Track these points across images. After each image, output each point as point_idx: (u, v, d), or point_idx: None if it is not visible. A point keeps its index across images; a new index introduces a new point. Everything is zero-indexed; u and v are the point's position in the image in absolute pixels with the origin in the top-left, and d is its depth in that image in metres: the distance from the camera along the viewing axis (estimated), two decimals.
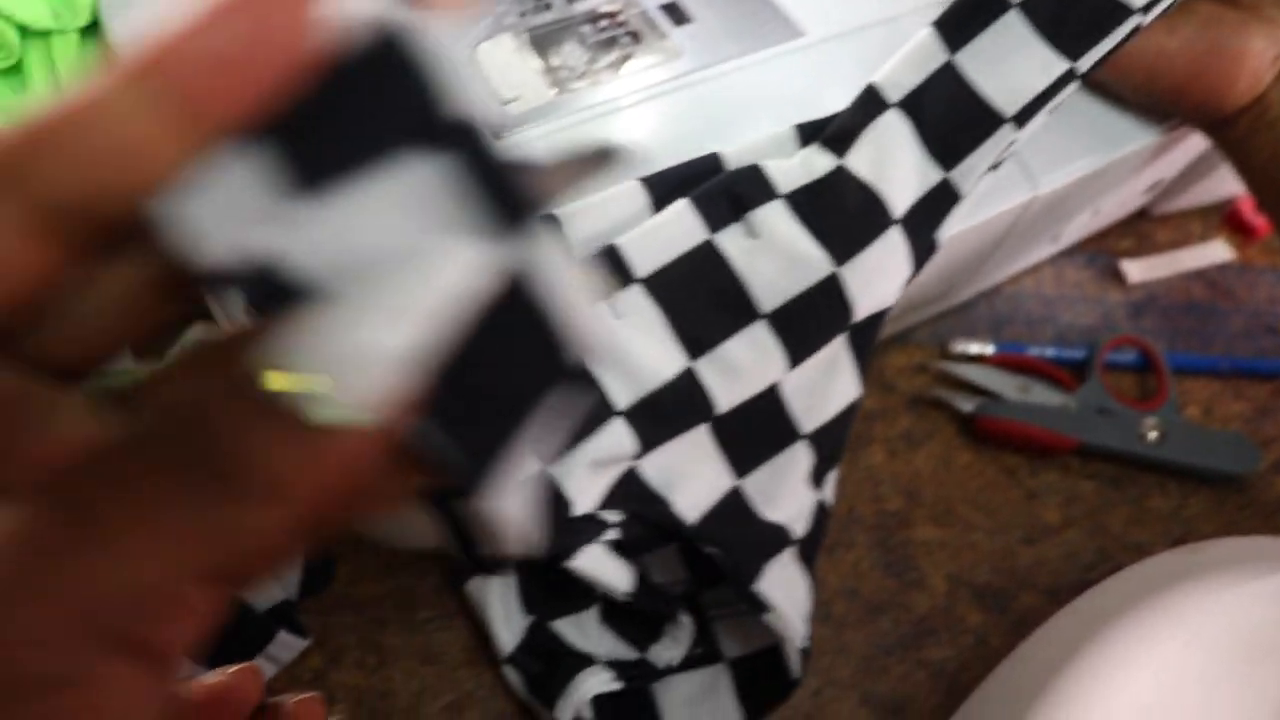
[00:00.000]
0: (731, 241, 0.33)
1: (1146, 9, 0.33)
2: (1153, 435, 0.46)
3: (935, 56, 0.34)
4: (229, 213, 0.13)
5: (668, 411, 0.32)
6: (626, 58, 0.38)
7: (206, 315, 0.28)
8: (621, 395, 0.31)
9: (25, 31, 0.37)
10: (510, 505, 0.15)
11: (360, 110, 0.14)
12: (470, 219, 0.14)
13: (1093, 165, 0.40)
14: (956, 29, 0.34)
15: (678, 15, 0.40)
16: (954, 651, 0.42)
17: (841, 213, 0.33)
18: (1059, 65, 0.34)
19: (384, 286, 0.13)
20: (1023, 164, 0.39)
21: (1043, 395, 0.47)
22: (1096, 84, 0.41)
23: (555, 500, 0.30)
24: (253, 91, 0.13)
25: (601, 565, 0.33)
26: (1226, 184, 0.53)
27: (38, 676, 0.13)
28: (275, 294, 0.13)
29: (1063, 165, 0.39)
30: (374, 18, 0.14)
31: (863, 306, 0.34)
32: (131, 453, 0.13)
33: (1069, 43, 0.34)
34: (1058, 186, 0.39)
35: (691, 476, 0.34)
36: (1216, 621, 0.34)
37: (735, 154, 0.34)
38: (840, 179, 0.33)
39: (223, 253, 0.13)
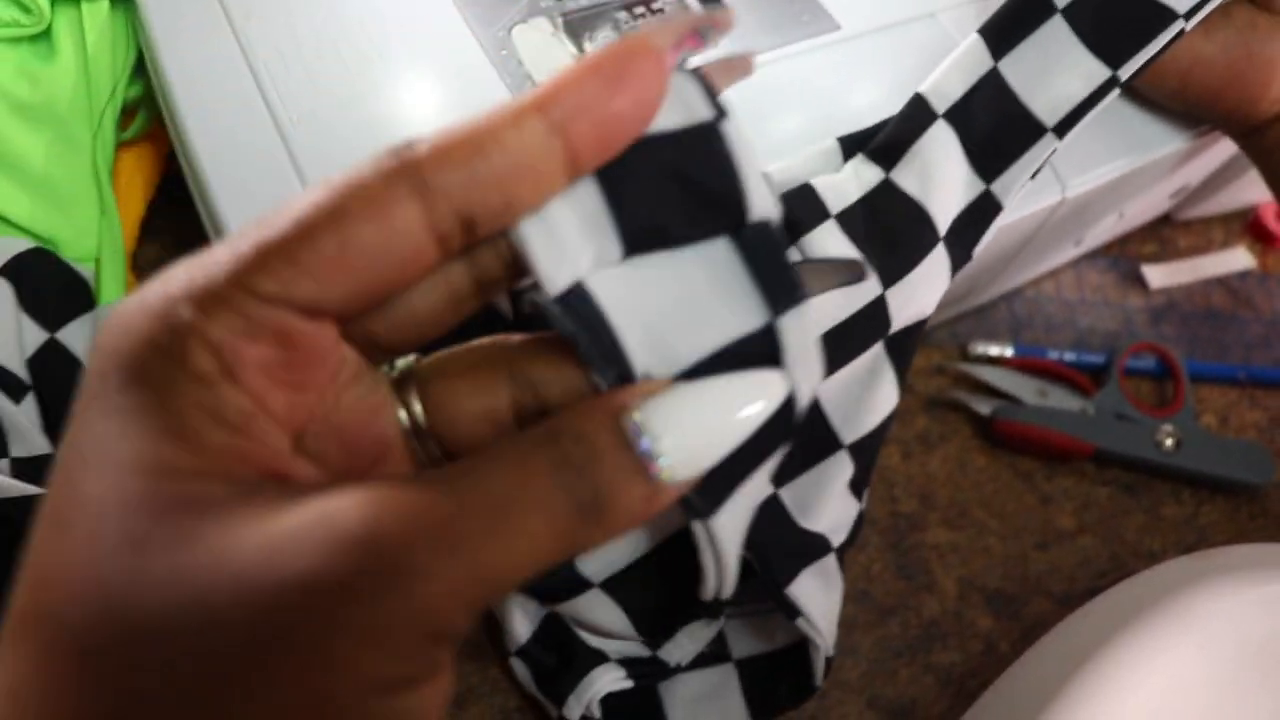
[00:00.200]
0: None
1: (1190, 14, 0.33)
2: (1169, 443, 0.46)
3: (980, 64, 0.34)
4: (571, 244, 0.17)
5: None
6: None
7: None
8: None
9: None
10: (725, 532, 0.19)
11: (679, 182, 0.17)
12: (760, 295, 0.18)
13: (1122, 169, 0.40)
14: (1001, 36, 0.34)
15: (714, 5, 0.39)
16: (963, 656, 0.42)
17: (890, 232, 0.33)
18: (1101, 73, 0.33)
19: (719, 380, 0.17)
20: (1052, 166, 0.38)
21: (1061, 399, 0.46)
22: (1129, 87, 0.40)
23: None
24: (620, 146, 0.16)
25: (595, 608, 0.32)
26: (1250, 191, 0.52)
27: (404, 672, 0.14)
28: (597, 340, 0.17)
29: (1092, 168, 0.39)
30: (702, 100, 0.17)
31: (901, 319, 0.34)
32: (522, 457, 0.15)
33: (1112, 49, 0.33)
34: (1087, 189, 0.39)
35: None
36: (1226, 628, 0.34)
37: (780, 171, 0.34)
38: (889, 195, 0.33)
39: (560, 278, 0.17)
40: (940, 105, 0.33)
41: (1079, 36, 0.33)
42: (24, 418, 0.34)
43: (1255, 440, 0.48)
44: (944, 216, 0.33)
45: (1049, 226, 0.41)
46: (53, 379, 0.34)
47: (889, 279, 0.32)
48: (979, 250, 0.36)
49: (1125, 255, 0.54)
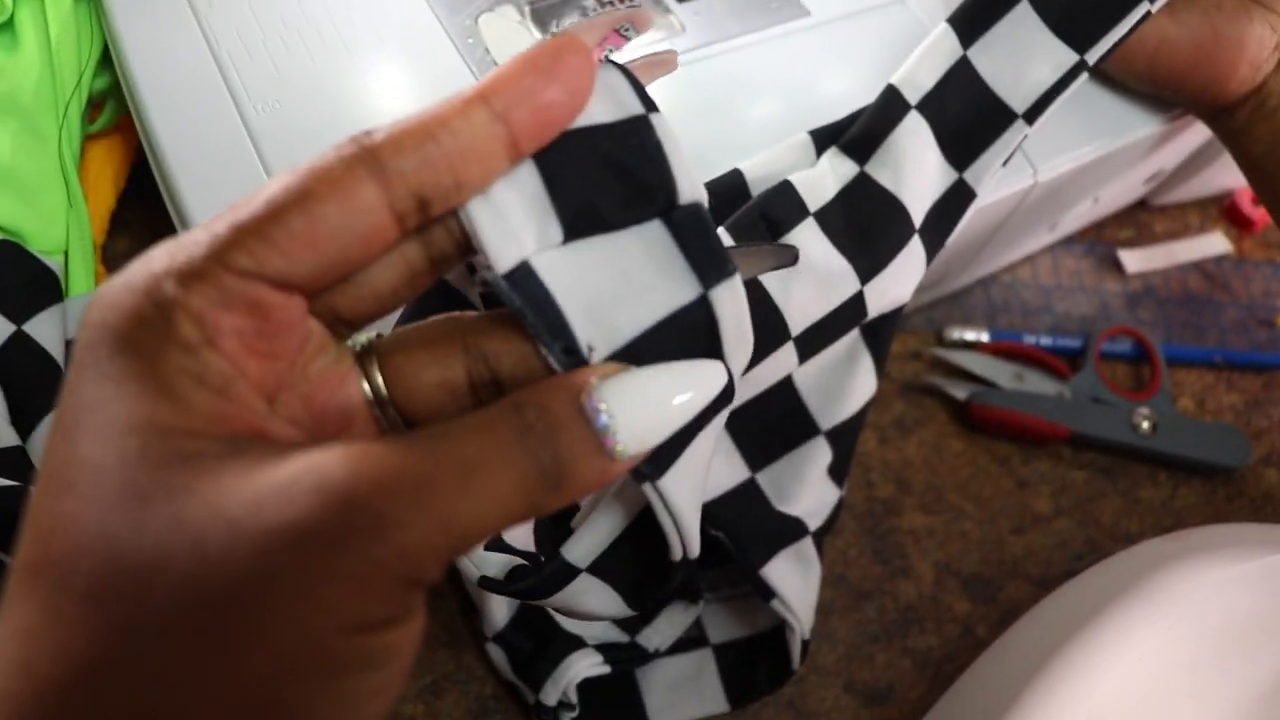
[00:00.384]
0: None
1: None
2: (1145, 426, 0.46)
3: (951, 54, 0.34)
4: (515, 222, 0.19)
5: None
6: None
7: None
8: None
9: None
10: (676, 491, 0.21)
11: (613, 168, 0.19)
12: (692, 271, 0.20)
13: (1094, 153, 0.40)
14: (969, 24, 0.34)
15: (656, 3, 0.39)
16: (940, 640, 0.42)
17: (867, 227, 0.33)
18: (1069, 58, 0.33)
19: (668, 368, 0.19)
20: (1023, 151, 0.38)
21: (1037, 384, 0.47)
22: (1099, 71, 0.40)
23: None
24: (555, 130, 0.18)
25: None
26: (1225, 176, 0.52)
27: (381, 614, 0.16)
28: (543, 315, 0.18)
29: (1064, 152, 0.39)
30: (633, 96, 0.19)
31: (877, 308, 0.34)
32: (491, 423, 0.17)
33: (1079, 34, 0.33)
34: (1058, 173, 0.39)
35: None
36: (1200, 607, 0.34)
37: (755, 167, 0.34)
38: (864, 189, 0.33)
39: (507, 254, 0.18)
40: (913, 96, 0.33)
41: (1046, 22, 0.33)
42: None
43: (1231, 423, 0.49)
44: (919, 208, 0.33)
45: (1022, 210, 0.41)
46: (20, 371, 0.34)
47: (866, 275, 0.32)
48: (952, 236, 0.36)
49: (1102, 240, 0.54)
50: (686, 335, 0.20)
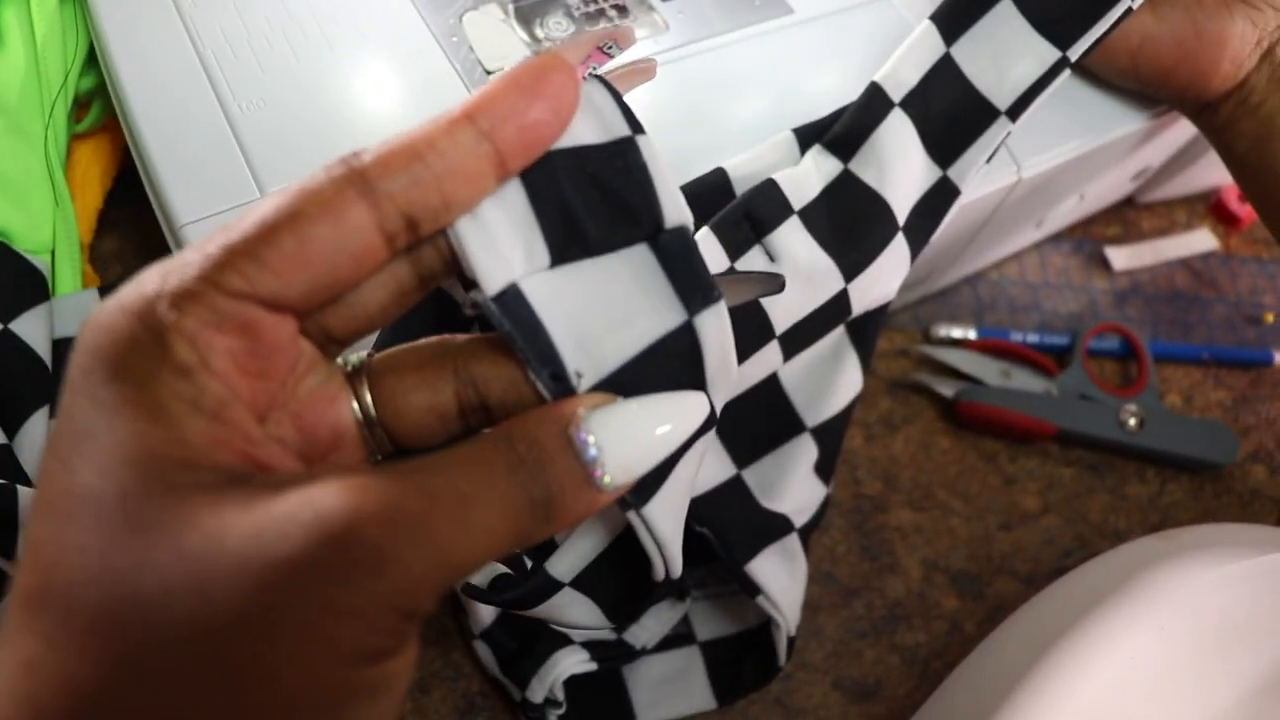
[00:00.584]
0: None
1: None
2: (1133, 423, 0.46)
3: (933, 51, 0.34)
4: (503, 242, 0.19)
5: None
6: None
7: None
8: None
9: None
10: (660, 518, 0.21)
11: (599, 189, 0.19)
12: (677, 297, 0.20)
13: (1078, 149, 0.40)
14: (952, 21, 0.34)
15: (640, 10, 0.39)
16: (928, 637, 0.42)
17: (851, 226, 0.33)
18: (1051, 55, 0.33)
19: (653, 400, 0.19)
20: (1007, 147, 0.38)
21: (1025, 381, 0.47)
22: (1083, 67, 0.40)
23: None
24: (541, 148, 0.19)
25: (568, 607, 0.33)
26: (1212, 173, 0.52)
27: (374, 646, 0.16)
28: (532, 340, 0.19)
29: (1048, 149, 0.39)
30: (619, 118, 0.20)
31: (861, 305, 0.34)
32: (483, 455, 0.17)
33: (1061, 30, 0.33)
34: (1042, 170, 0.39)
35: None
36: (1188, 606, 0.34)
37: (739, 165, 0.34)
38: (848, 186, 0.33)
39: (496, 274, 0.19)
40: (896, 93, 0.34)
41: (1028, 19, 0.33)
42: None
43: (1219, 420, 0.49)
44: (903, 206, 0.33)
45: (1006, 207, 0.41)
46: (6, 370, 0.34)
47: (850, 272, 0.32)
48: (937, 234, 0.36)
49: (1089, 238, 0.54)
50: (672, 362, 0.20)
